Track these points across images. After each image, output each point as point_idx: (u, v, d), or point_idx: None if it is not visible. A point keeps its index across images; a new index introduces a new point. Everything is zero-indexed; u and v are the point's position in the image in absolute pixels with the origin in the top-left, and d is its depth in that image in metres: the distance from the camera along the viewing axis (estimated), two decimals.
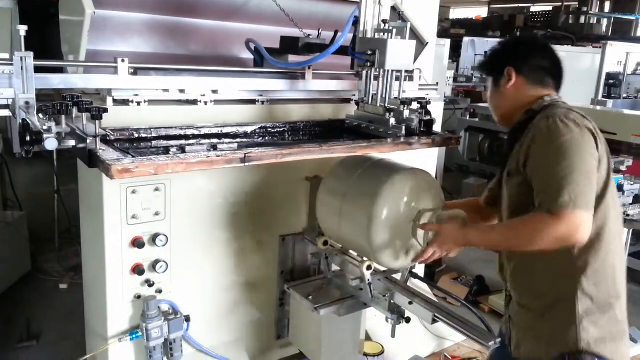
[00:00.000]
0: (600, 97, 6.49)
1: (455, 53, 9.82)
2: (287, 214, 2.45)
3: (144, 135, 1.95)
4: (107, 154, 1.52)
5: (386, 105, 2.16)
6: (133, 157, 1.55)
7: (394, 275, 2.23)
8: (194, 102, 2.15)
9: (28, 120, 1.54)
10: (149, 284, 2.10)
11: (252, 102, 2.31)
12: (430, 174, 2.06)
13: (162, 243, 2.07)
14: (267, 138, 2.26)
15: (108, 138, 1.84)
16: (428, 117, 2.16)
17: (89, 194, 2.15)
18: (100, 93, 2.04)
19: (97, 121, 1.54)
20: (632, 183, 3.32)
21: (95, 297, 2.25)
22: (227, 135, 2.15)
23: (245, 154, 1.68)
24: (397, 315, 2.08)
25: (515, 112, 1.77)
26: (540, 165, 1.57)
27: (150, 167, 1.49)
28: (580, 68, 7.06)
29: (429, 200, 1.97)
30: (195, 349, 2.29)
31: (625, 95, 7.06)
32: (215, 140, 2.08)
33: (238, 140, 2.15)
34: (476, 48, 10.63)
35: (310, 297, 2.17)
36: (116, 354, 2.11)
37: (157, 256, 2.10)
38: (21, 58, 1.64)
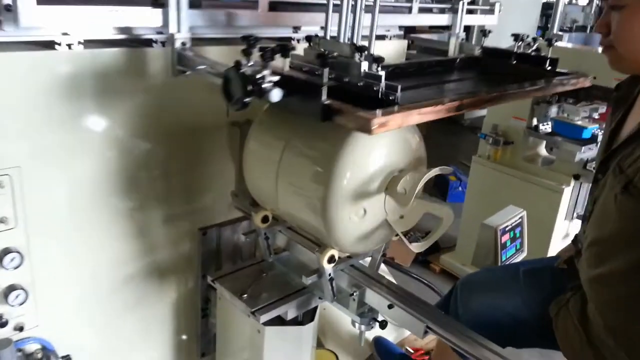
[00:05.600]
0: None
1: None
2: (208, 198, 1.80)
3: None
4: None
5: None
6: None
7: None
8: None
9: None
10: (1, 322, 1.41)
11: None
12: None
13: (15, 263, 1.38)
14: None
15: None
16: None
17: None
18: None
19: None
20: None
21: None
22: None
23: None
24: (369, 318, 1.55)
25: None
26: None
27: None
28: None
29: (406, 157, 1.41)
30: None
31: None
32: None
33: None
34: None
35: (245, 295, 1.56)
36: None
37: (9, 282, 1.40)
38: None
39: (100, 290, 1.65)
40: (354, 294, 1.50)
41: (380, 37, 2.15)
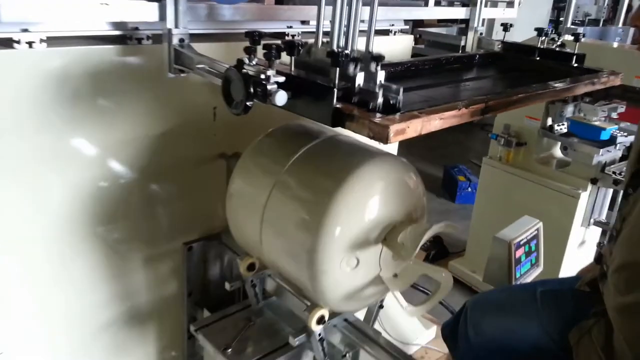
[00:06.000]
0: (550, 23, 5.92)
1: None
2: (193, 211, 1.65)
3: None
4: None
5: None
6: None
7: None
8: None
9: None
10: None
11: None
12: (409, 164, 1.31)
13: None
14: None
15: None
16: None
17: None
18: None
19: None
20: (625, 134, 2.74)
21: None
22: None
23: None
24: None
25: None
26: None
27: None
28: None
29: (406, 206, 1.26)
30: None
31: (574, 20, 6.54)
32: None
33: None
34: None
35: (230, 350, 1.42)
36: None
37: None
38: None
39: (79, 307, 1.50)
40: (347, 355, 1.34)
41: (384, 32, 1.97)
